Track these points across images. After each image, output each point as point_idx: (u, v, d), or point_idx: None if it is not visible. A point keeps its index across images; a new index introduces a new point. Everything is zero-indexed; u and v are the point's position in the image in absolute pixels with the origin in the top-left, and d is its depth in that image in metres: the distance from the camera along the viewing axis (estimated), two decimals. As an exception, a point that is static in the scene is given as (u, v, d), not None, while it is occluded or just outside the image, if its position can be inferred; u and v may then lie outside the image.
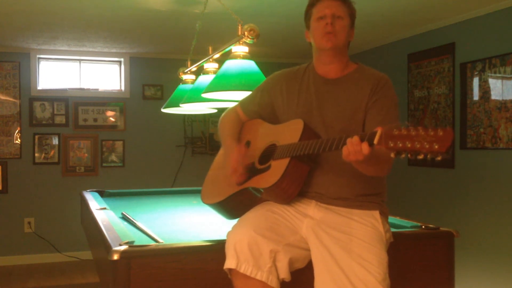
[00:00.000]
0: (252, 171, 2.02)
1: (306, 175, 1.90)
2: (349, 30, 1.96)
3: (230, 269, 1.81)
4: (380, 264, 1.78)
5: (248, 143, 2.17)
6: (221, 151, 2.31)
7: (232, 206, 2.11)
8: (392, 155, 1.47)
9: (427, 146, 1.39)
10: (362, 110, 1.89)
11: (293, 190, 1.89)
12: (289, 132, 1.93)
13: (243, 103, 2.22)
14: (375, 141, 1.52)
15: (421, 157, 1.41)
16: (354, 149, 1.58)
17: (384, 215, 1.95)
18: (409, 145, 1.42)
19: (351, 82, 1.95)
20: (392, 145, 1.45)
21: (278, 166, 1.88)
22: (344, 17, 1.93)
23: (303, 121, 1.91)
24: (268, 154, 2.00)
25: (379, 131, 1.52)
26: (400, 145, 1.43)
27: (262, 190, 1.95)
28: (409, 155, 1.44)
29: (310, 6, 1.99)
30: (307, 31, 2.02)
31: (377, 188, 1.95)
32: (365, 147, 1.56)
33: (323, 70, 2.00)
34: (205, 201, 2.23)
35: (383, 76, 1.96)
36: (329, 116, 1.92)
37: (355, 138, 1.59)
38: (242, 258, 1.77)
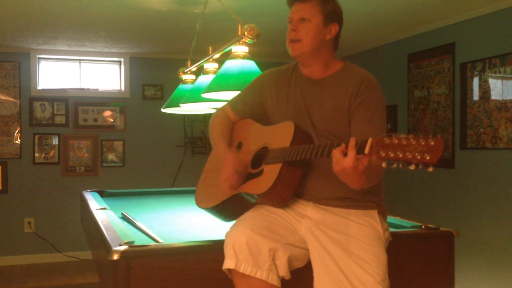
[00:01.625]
0: (245, 176, 2.01)
1: (299, 179, 1.89)
2: (321, 30, 1.91)
3: (229, 269, 1.81)
4: (379, 265, 1.78)
5: (240, 145, 2.16)
6: (212, 153, 2.30)
7: (226, 210, 2.11)
8: (384, 165, 1.45)
9: (418, 157, 1.37)
10: (346, 112, 1.87)
11: (288, 194, 1.88)
12: (281, 135, 1.92)
13: (232, 104, 2.21)
14: (366, 151, 1.51)
15: (412, 167, 1.39)
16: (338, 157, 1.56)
17: (382, 214, 1.94)
18: (400, 155, 1.40)
19: (335, 83, 1.92)
20: (383, 155, 1.43)
21: (271, 171, 1.87)
22: (311, 19, 1.89)
23: (293, 124, 1.90)
24: (260, 157, 1.99)
25: (370, 140, 1.50)
26: (392, 155, 1.41)
27: (256, 196, 1.95)
28: (400, 165, 1.41)
29: (289, 7, 1.98)
30: None
31: (374, 187, 1.91)
32: (351, 155, 1.53)
33: (306, 72, 1.99)
34: (200, 205, 2.22)
35: (368, 76, 1.92)
36: (316, 117, 1.91)
37: (342, 147, 1.56)
38: (241, 257, 1.77)
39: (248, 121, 2.16)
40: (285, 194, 1.88)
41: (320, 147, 1.70)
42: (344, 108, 1.87)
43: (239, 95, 2.22)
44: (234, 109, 2.19)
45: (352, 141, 1.56)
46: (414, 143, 1.38)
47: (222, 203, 2.07)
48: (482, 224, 3.98)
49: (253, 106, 2.11)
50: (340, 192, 1.89)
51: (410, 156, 1.38)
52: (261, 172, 1.94)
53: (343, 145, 1.58)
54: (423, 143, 1.37)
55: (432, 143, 1.36)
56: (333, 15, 1.93)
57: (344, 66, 1.97)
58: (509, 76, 3.76)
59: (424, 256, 2.18)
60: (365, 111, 1.84)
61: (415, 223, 2.41)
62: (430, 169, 1.37)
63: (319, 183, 1.91)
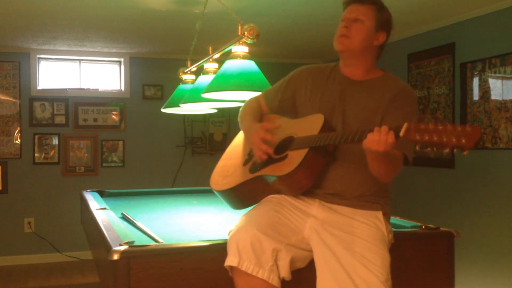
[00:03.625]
0: (267, 160, 2.01)
1: (322, 168, 1.90)
2: (371, 34, 1.95)
3: (231, 267, 1.81)
4: (383, 265, 1.78)
5: None
6: (233, 142, 2.32)
7: (241, 194, 2.11)
8: (417, 147, 1.48)
9: (454, 140, 1.39)
10: (380, 113, 1.90)
11: (306, 182, 1.89)
12: (309, 125, 1.93)
13: (266, 94, 2.22)
14: (401, 133, 1.52)
15: (447, 150, 1.41)
16: (380, 138, 1.59)
17: (386, 216, 1.96)
18: (435, 138, 1.42)
19: (375, 87, 1.96)
20: (418, 137, 1.46)
21: (296, 156, 1.88)
22: (365, 21, 1.94)
23: (323, 116, 1.92)
24: (285, 145, 2.00)
25: (405, 124, 1.52)
26: (426, 137, 1.44)
27: (275, 177, 1.94)
28: (434, 149, 1.43)
29: (344, 6, 2.03)
30: None
31: (382, 189, 1.96)
32: (390, 137, 1.57)
33: (347, 72, 2.02)
34: (215, 187, 2.22)
35: (408, 87, 1.99)
36: (349, 116, 1.93)
37: (384, 127, 1.59)
38: (244, 256, 1.78)
39: (274, 116, 2.18)
40: (304, 182, 1.88)
41: (352, 132, 1.73)
42: (379, 109, 1.90)
43: (274, 86, 2.23)
44: (267, 101, 2.19)
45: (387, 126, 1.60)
46: (451, 129, 1.41)
47: (238, 185, 2.08)
48: (482, 224, 3.98)
49: (286, 98, 2.12)
50: (349, 188, 1.91)
51: (445, 139, 1.41)
52: (285, 157, 1.95)
53: (377, 127, 1.61)
54: (459, 129, 1.40)
55: (469, 130, 1.39)
56: (385, 24, 1.99)
57: (385, 74, 2.02)
58: (509, 76, 3.76)
59: (424, 256, 2.18)
60: (397, 117, 1.86)
61: (415, 223, 2.41)
62: (465, 152, 1.39)
63: (332, 175, 1.92)
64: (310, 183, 1.90)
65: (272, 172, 1.96)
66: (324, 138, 1.81)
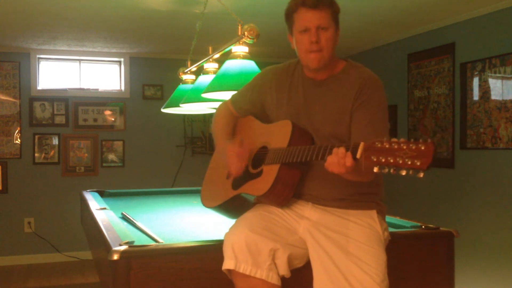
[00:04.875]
0: (246, 175, 2.02)
1: (298, 179, 1.89)
2: (336, 37, 1.86)
3: (229, 270, 1.81)
4: (378, 265, 1.77)
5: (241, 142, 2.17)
6: (216, 150, 2.31)
7: (230, 209, 2.14)
8: (376, 169, 1.45)
9: (409, 163, 1.37)
10: (348, 112, 1.84)
11: (287, 194, 1.89)
12: (279, 134, 1.92)
13: (234, 100, 2.21)
14: (358, 155, 1.51)
15: (403, 173, 1.38)
16: (338, 161, 1.57)
17: (381, 214, 1.94)
18: (391, 160, 1.40)
19: (338, 83, 1.89)
20: (375, 160, 1.44)
21: (269, 172, 1.88)
22: (329, 26, 1.82)
23: (291, 123, 1.89)
24: (260, 157, 2.00)
25: (361, 144, 1.50)
26: (383, 160, 1.42)
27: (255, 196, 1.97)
28: (392, 170, 1.41)
29: (291, 11, 1.86)
30: (290, 36, 1.93)
31: (373, 187, 1.92)
32: (348, 160, 1.55)
33: (310, 73, 1.95)
34: (205, 203, 2.25)
35: (371, 76, 1.88)
36: (317, 119, 1.89)
37: (341, 150, 1.57)
38: (240, 258, 1.77)
39: (249, 118, 2.17)
40: (284, 194, 1.88)
41: (315, 150, 1.71)
42: (347, 108, 1.84)
43: (240, 92, 2.21)
44: (236, 107, 2.19)
45: (344, 147, 1.58)
46: (405, 148, 1.38)
47: (224, 203, 2.10)
48: (482, 224, 3.98)
49: (253, 104, 2.11)
50: (339, 192, 1.89)
51: (400, 162, 1.38)
52: (260, 173, 1.95)
53: (335, 149, 1.59)
54: (413, 148, 1.37)
55: (422, 148, 1.36)
56: (338, 18, 1.89)
57: (346, 65, 1.93)
58: (509, 76, 3.76)
59: (424, 256, 2.18)
60: (366, 112, 1.82)
61: (415, 223, 2.41)
62: (421, 175, 1.36)
63: (318, 184, 1.91)
64: (291, 194, 1.89)
65: (251, 191, 1.97)
66: (292, 155, 1.80)
